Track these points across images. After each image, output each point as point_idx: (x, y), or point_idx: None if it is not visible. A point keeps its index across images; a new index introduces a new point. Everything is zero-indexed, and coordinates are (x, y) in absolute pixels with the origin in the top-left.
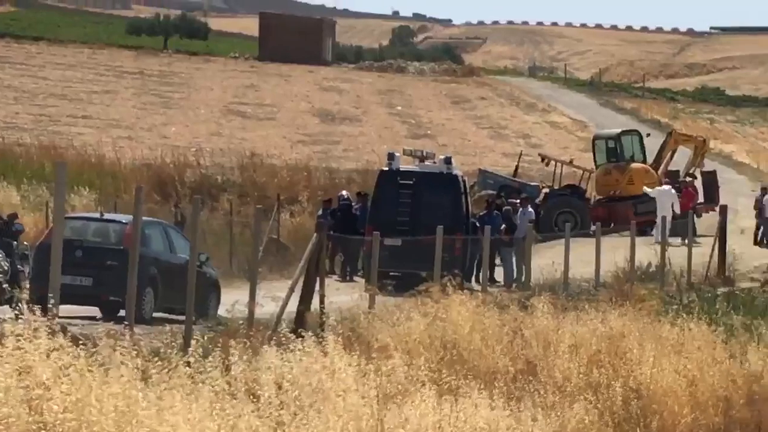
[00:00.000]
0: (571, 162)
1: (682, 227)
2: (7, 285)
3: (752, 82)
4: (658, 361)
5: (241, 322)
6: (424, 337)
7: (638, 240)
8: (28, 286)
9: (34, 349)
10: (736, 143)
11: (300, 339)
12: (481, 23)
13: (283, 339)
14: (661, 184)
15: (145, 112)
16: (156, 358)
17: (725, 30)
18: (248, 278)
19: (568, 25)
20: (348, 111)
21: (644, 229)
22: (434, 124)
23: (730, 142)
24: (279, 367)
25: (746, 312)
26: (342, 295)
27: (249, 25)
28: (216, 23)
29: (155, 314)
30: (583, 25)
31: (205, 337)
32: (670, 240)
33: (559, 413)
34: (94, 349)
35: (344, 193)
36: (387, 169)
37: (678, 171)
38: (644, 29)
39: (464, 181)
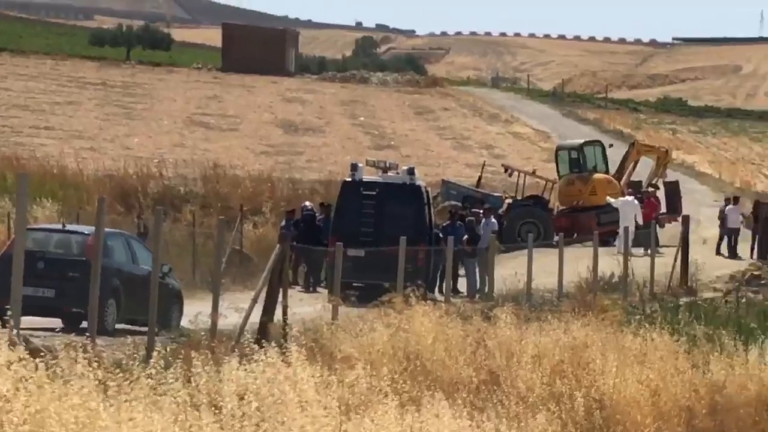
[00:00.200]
0: (534, 172)
1: (645, 237)
2: None
3: (714, 92)
4: (621, 372)
5: (203, 333)
6: (387, 348)
7: (601, 250)
8: None
9: None
10: (699, 154)
11: (263, 350)
12: (444, 34)
13: (246, 350)
14: (623, 195)
15: (107, 123)
16: (118, 370)
17: (687, 41)
18: (211, 289)
19: (531, 36)
20: (311, 122)
21: (607, 239)
22: (397, 135)
23: (693, 153)
24: (241, 379)
25: (708, 322)
26: (305, 306)
27: (212, 36)
28: (179, 34)
29: (118, 326)
30: (546, 36)
31: (168, 349)
32: (633, 250)
33: (522, 424)
34: (54, 361)
35: (308, 203)
36: (350, 179)
37: (641, 181)
38: (607, 40)
39: (427, 192)
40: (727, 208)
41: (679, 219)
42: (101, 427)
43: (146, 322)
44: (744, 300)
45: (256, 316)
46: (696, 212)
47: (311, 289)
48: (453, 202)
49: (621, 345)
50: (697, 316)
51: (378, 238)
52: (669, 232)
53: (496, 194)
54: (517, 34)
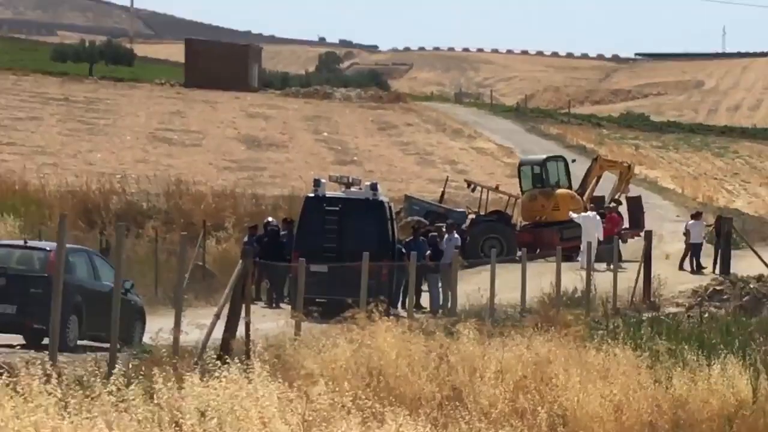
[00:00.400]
0: (497, 188)
1: (608, 253)
2: None
3: (677, 107)
4: (583, 387)
5: (165, 349)
6: (350, 364)
7: (564, 265)
8: None
9: None
10: (661, 169)
11: (225, 366)
12: (407, 49)
13: (208, 366)
14: (586, 210)
15: (70, 139)
16: (78, 387)
17: (650, 56)
18: (173, 305)
19: (494, 51)
20: (274, 137)
21: (570, 254)
22: (361, 150)
23: (655, 168)
24: (203, 395)
25: (671, 337)
26: (268, 322)
27: (175, 52)
28: (142, 49)
29: (80, 342)
30: (509, 52)
31: (130, 365)
32: (596, 265)
33: None
34: (14, 378)
35: (271, 219)
36: (313, 195)
37: (603, 196)
38: (570, 56)
39: (390, 208)
40: (689, 223)
41: (642, 234)
42: None
43: (108, 339)
44: (706, 315)
45: (218, 332)
46: (659, 227)
47: (274, 304)
48: (417, 218)
49: (584, 360)
50: (659, 331)
51: (341, 254)
52: (632, 247)
53: (459, 210)
54: (480, 50)
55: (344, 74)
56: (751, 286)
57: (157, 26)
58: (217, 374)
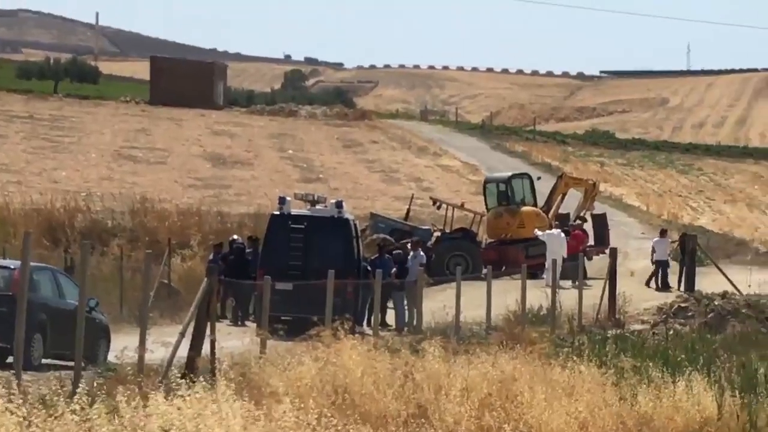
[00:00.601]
0: (462, 205)
1: (573, 270)
2: None
3: (641, 125)
4: (549, 404)
5: (130, 368)
6: (315, 382)
7: (529, 283)
8: None
9: None
10: (626, 186)
11: (190, 385)
12: (372, 67)
13: (173, 385)
14: (552, 227)
15: (35, 157)
16: (42, 405)
17: (615, 74)
18: (138, 323)
19: (460, 69)
20: (240, 155)
21: (535, 272)
22: (326, 168)
23: (620, 185)
24: (168, 414)
25: (636, 354)
26: (233, 340)
27: (140, 69)
28: (107, 67)
29: (44, 360)
30: (475, 69)
31: (94, 384)
32: (561, 283)
33: None
34: None
35: (236, 237)
36: (278, 213)
37: (569, 214)
38: (535, 73)
39: (356, 225)
40: (654, 240)
41: (607, 251)
42: None
43: (73, 357)
44: (671, 332)
45: (183, 351)
46: (624, 245)
47: (239, 322)
48: (382, 235)
49: (549, 378)
50: (624, 348)
51: (306, 272)
52: (597, 265)
53: (424, 227)
54: (446, 67)
55: (310, 92)
56: (716, 303)
57: (123, 44)
58: (182, 393)
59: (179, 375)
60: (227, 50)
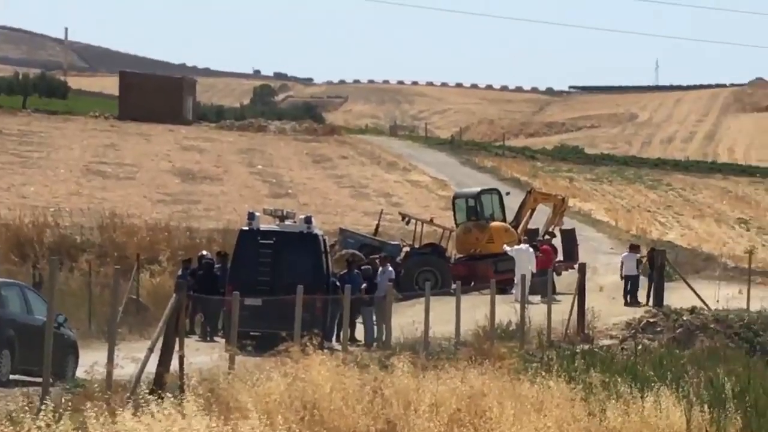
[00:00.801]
0: (431, 221)
1: (542, 285)
2: None
3: (610, 140)
4: (518, 420)
5: (97, 384)
6: (284, 397)
7: (498, 298)
8: None
9: None
10: (595, 201)
11: (159, 401)
12: (342, 82)
13: (142, 401)
14: (520, 242)
15: (3, 172)
16: (9, 422)
17: (584, 89)
18: (107, 339)
19: (429, 84)
20: (209, 170)
21: (504, 287)
22: (295, 183)
23: (589, 201)
24: (136, 430)
25: (605, 369)
26: (202, 356)
27: (109, 84)
28: (76, 82)
29: (12, 376)
30: (444, 84)
31: (62, 400)
32: (530, 298)
33: None
34: None
35: (205, 252)
36: (247, 228)
37: (537, 229)
38: (504, 88)
39: (324, 241)
40: (623, 255)
41: (576, 266)
42: None
43: (41, 373)
44: (640, 347)
45: (152, 366)
46: (593, 260)
47: (208, 338)
48: (351, 251)
49: (518, 393)
50: (593, 363)
51: (275, 287)
52: (566, 280)
53: (393, 242)
54: (415, 83)
55: (279, 107)
56: (684, 318)
57: (92, 59)
58: (150, 409)
59: (148, 391)
60: (196, 65)
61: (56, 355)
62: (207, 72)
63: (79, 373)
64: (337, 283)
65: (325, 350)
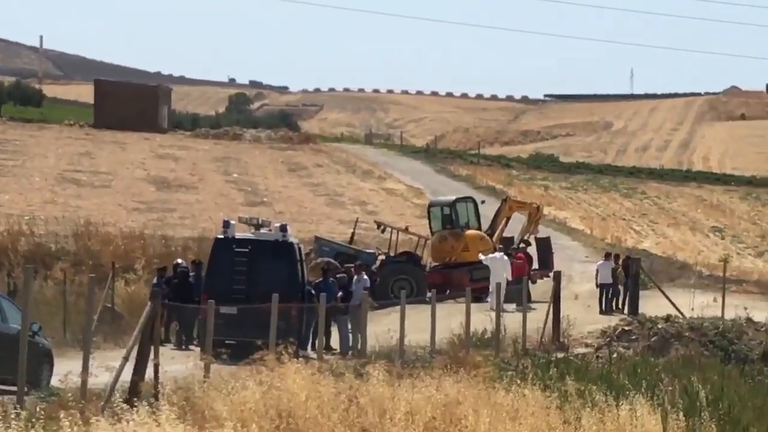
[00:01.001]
0: (406, 229)
1: (517, 293)
2: None
3: (585, 149)
4: (493, 428)
5: (73, 392)
6: (259, 406)
7: (474, 306)
8: None
9: None
10: (570, 210)
11: (133, 409)
12: (317, 90)
13: (117, 409)
14: (496, 251)
15: None
16: None
17: (559, 98)
18: (82, 348)
19: (404, 92)
20: (184, 178)
21: (480, 295)
22: (271, 192)
23: (564, 209)
24: None
25: (580, 377)
26: (177, 364)
27: (84, 93)
28: (51, 90)
29: None
30: (419, 93)
31: (37, 408)
32: (505, 306)
33: None
34: None
35: (180, 261)
36: (222, 236)
37: (513, 237)
38: (479, 97)
39: (300, 249)
40: (598, 263)
41: (551, 275)
42: None
43: (16, 382)
44: (615, 355)
45: (127, 375)
46: (568, 268)
47: (183, 347)
48: (327, 259)
49: (493, 401)
50: (568, 371)
51: (250, 295)
52: (541, 288)
53: (369, 251)
54: (390, 91)
55: (254, 115)
56: (659, 326)
57: (66, 67)
58: (125, 417)
59: (122, 399)
60: (171, 73)
61: (31, 364)
62: (182, 80)
63: (54, 381)
64: (313, 292)
65: (301, 359)
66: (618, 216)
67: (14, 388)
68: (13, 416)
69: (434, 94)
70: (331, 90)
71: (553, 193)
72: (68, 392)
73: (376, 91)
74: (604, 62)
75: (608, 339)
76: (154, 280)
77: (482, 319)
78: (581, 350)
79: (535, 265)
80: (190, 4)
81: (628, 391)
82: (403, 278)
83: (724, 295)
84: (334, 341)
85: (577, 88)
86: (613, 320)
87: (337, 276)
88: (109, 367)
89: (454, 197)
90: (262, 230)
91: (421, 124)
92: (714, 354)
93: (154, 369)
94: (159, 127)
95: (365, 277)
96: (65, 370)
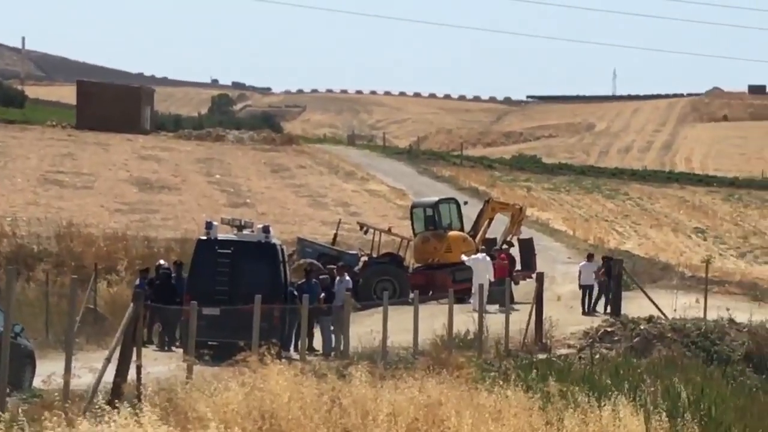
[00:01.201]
0: (389, 230)
1: (500, 294)
2: None
3: (567, 150)
4: (476, 429)
5: (56, 393)
6: (242, 407)
7: (456, 307)
8: None
9: None
10: (553, 211)
11: (116, 410)
12: (300, 92)
13: (99, 411)
14: (478, 252)
15: None
16: None
17: (541, 99)
18: (65, 349)
19: (387, 93)
20: (167, 179)
21: (462, 296)
22: (253, 193)
23: (547, 210)
24: None
25: (562, 378)
26: (159, 366)
27: (66, 94)
28: (33, 91)
29: None
30: (402, 94)
31: (20, 410)
32: (488, 307)
33: None
34: None
35: (163, 262)
36: (205, 238)
37: (495, 238)
38: (462, 98)
39: (282, 250)
40: (580, 264)
41: (534, 276)
42: None
43: None
44: (597, 356)
45: (110, 376)
46: (550, 269)
47: (166, 348)
48: (310, 260)
49: (476, 402)
50: (551, 372)
51: (233, 297)
52: (523, 289)
53: (351, 252)
54: (373, 92)
55: (237, 116)
56: (642, 327)
57: (49, 68)
58: (107, 419)
59: (105, 401)
60: (154, 74)
61: (13, 365)
62: (165, 81)
63: (36, 383)
64: (295, 293)
65: (283, 360)
66: (600, 217)
67: None
68: (0, 418)
69: (417, 95)
70: (314, 91)
71: (535, 194)
72: (51, 393)
73: (358, 92)
74: (587, 63)
75: (591, 340)
76: (137, 282)
77: (465, 320)
78: (564, 351)
79: (518, 267)
80: (172, 5)
81: (610, 392)
82: (385, 279)
83: (707, 296)
84: (317, 342)
85: (559, 89)
86: (595, 321)
87: (320, 277)
88: (91, 368)
89: (436, 198)
90: (245, 231)
91: (403, 126)
92: (696, 355)
93: (136, 370)
94: (141, 129)
95: (348, 278)
96: (48, 372)
